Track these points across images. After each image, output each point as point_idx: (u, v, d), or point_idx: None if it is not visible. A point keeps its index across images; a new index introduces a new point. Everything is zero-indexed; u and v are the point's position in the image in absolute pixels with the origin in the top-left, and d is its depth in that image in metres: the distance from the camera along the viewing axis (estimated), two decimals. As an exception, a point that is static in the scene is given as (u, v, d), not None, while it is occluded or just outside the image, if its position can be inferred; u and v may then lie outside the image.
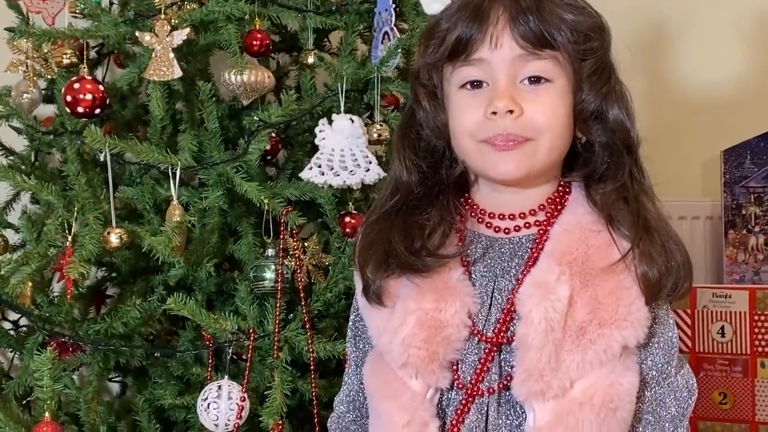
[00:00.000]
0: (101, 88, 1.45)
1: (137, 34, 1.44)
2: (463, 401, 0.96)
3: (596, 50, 0.98)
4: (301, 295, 1.43)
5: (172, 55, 1.44)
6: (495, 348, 0.96)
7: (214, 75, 1.63)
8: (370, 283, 1.00)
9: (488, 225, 1.02)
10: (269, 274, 1.43)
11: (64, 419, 1.53)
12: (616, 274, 0.94)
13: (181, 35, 1.44)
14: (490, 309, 0.98)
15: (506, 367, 0.95)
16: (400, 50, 1.49)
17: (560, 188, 1.02)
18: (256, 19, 1.52)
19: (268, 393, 1.40)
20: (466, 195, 1.05)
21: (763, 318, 1.86)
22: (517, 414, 0.95)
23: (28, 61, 1.57)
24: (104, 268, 1.72)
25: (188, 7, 1.48)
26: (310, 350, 1.41)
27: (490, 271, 0.99)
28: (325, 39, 1.81)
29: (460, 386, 0.96)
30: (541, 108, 0.95)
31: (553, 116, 0.96)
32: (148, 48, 1.44)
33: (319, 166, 1.44)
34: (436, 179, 1.03)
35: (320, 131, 1.45)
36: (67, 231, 1.41)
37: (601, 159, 0.99)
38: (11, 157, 1.75)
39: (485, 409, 0.96)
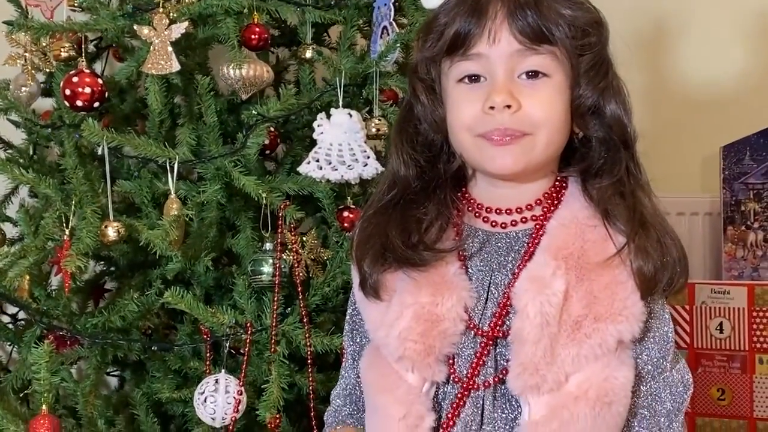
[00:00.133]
0: (100, 81, 1.45)
1: (135, 27, 1.44)
2: (459, 395, 0.96)
3: (594, 45, 0.98)
4: (299, 289, 1.43)
5: (170, 48, 1.43)
6: (491, 342, 0.96)
7: (213, 69, 1.62)
8: (367, 277, 1.01)
9: (485, 219, 1.02)
10: (267, 268, 1.44)
11: (62, 412, 1.53)
12: (611, 268, 0.94)
13: (179, 29, 1.44)
14: (486, 303, 0.98)
15: (502, 361, 0.96)
16: (398, 45, 1.49)
17: (557, 183, 1.02)
18: (255, 13, 1.52)
19: (266, 387, 1.40)
20: (464, 189, 1.05)
21: (761, 314, 1.86)
22: (513, 408, 0.95)
23: (27, 54, 1.58)
24: (102, 262, 1.72)
25: (187, 0, 1.47)
26: (308, 344, 1.41)
27: (486, 266, 0.99)
28: (325, 33, 1.81)
29: (456, 380, 0.96)
30: (538, 103, 0.95)
31: (550, 111, 0.96)
32: (146, 41, 1.44)
33: (317, 161, 1.44)
34: (434, 173, 1.03)
35: (318, 126, 1.45)
36: (64, 224, 1.41)
37: (598, 154, 0.99)
38: (9, 151, 1.75)
39: (481, 402, 0.96)
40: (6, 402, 1.38)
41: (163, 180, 1.48)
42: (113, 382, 1.84)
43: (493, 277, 0.99)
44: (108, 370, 1.74)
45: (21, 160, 1.69)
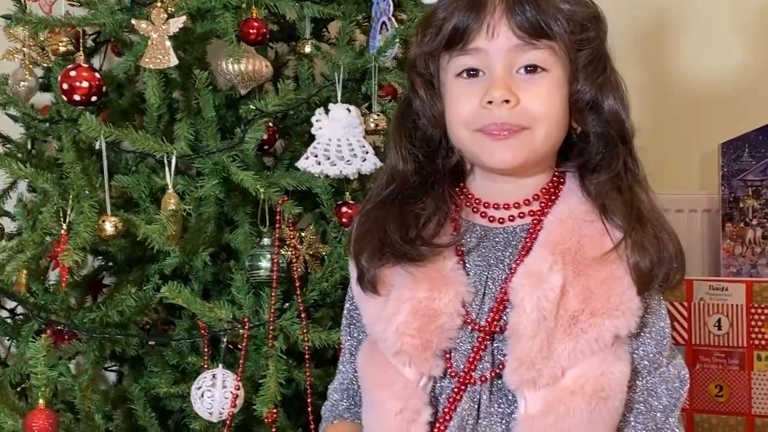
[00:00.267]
0: (97, 76, 1.45)
1: (133, 22, 1.44)
2: (456, 389, 0.96)
3: (592, 40, 0.98)
4: (297, 284, 1.43)
5: (168, 43, 1.43)
6: (488, 337, 0.96)
7: (211, 64, 1.62)
8: (365, 271, 1.01)
9: (483, 215, 1.02)
10: (265, 264, 1.44)
11: (60, 407, 1.53)
12: (608, 263, 0.94)
13: (177, 23, 1.43)
14: (483, 298, 0.98)
15: (499, 356, 0.96)
16: (397, 40, 1.49)
17: (554, 178, 1.02)
18: (254, 7, 1.52)
19: (263, 382, 1.40)
20: (462, 184, 1.05)
21: (759, 311, 1.86)
22: (509, 402, 0.95)
23: (25, 49, 1.58)
24: (100, 257, 1.72)
25: (185, -6, 1.47)
26: (306, 339, 1.42)
27: (484, 261, 1.00)
28: (324, 29, 1.81)
29: (453, 374, 0.96)
30: (537, 97, 0.96)
31: (549, 105, 0.96)
32: (144, 36, 1.44)
33: (316, 156, 1.44)
34: (432, 168, 1.03)
35: (317, 121, 1.45)
36: (62, 219, 1.41)
37: (595, 149, 0.99)
38: (8, 145, 1.75)
39: (477, 397, 0.96)
40: (4, 396, 1.38)
41: (161, 175, 1.47)
42: (111, 376, 1.84)
43: (490, 272, 0.99)
44: (106, 365, 1.74)
45: (19, 155, 1.69)
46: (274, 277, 1.43)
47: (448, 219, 1.01)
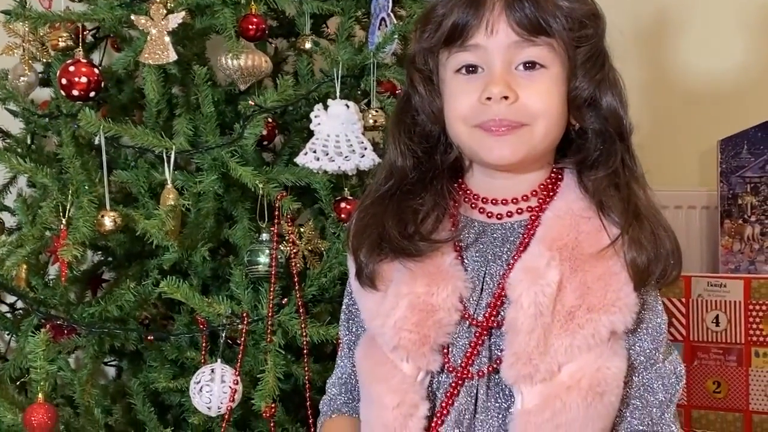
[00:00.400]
0: (96, 71, 1.45)
1: (133, 17, 1.45)
2: (453, 384, 0.97)
3: (591, 37, 0.98)
4: (296, 279, 1.43)
5: (167, 38, 1.44)
6: (485, 332, 0.97)
7: (211, 59, 1.63)
8: (364, 266, 1.01)
9: (481, 210, 1.02)
10: (263, 259, 1.44)
11: (59, 401, 1.54)
12: (605, 259, 0.94)
13: (176, 19, 1.44)
14: (481, 293, 0.98)
15: (496, 351, 0.96)
16: (396, 36, 1.49)
17: (553, 174, 1.02)
18: (253, 3, 1.52)
19: (261, 376, 1.41)
20: (460, 180, 1.05)
21: (757, 307, 1.87)
22: (506, 397, 0.95)
23: (25, 44, 1.58)
24: (100, 252, 1.72)
25: (184, -10, 1.48)
26: (304, 334, 1.42)
27: (482, 257, 1.00)
28: (323, 25, 1.81)
29: (451, 369, 0.97)
30: (535, 94, 0.96)
31: (548, 102, 0.97)
32: (143, 32, 1.45)
33: (315, 152, 1.44)
34: (431, 164, 1.04)
35: (316, 117, 1.45)
36: (62, 214, 1.41)
37: (593, 146, 1.00)
38: (8, 140, 1.76)
39: (475, 392, 0.96)
40: (3, 390, 1.39)
41: (160, 170, 1.48)
42: (110, 371, 1.84)
43: (488, 268, 0.99)
44: (105, 360, 1.74)
45: (19, 150, 1.69)
46: (273, 273, 1.43)
47: (446, 215, 1.01)
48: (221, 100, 1.59)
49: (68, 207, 1.41)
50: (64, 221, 1.40)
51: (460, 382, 0.96)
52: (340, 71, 1.47)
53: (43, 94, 1.75)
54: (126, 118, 1.56)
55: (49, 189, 1.47)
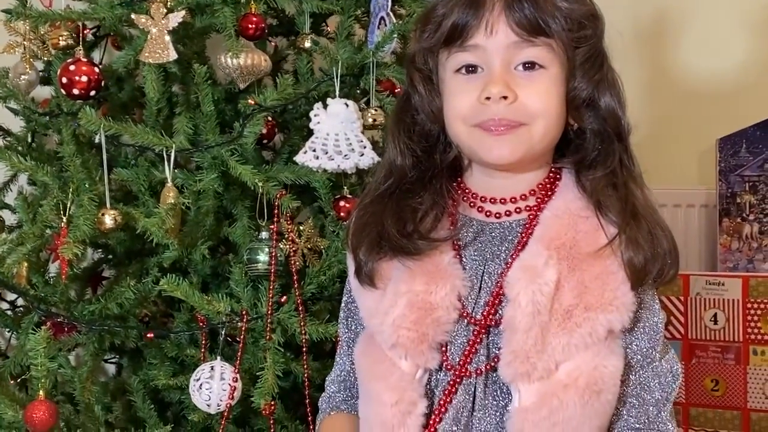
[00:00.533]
0: (96, 70, 1.45)
1: (133, 16, 1.45)
2: (451, 382, 0.97)
3: (589, 38, 0.98)
4: (295, 278, 1.44)
5: (167, 37, 1.44)
6: (483, 330, 0.97)
7: (211, 58, 1.63)
8: (363, 265, 1.02)
9: (480, 209, 1.03)
10: (263, 257, 1.44)
11: (60, 398, 1.54)
12: (602, 259, 0.95)
13: (176, 18, 1.44)
14: (479, 292, 0.99)
15: (494, 349, 0.97)
16: (395, 36, 1.50)
17: (551, 174, 1.03)
18: (252, 2, 1.52)
19: (261, 374, 1.41)
20: (459, 180, 1.06)
21: (755, 306, 1.87)
22: (504, 395, 0.96)
23: (26, 42, 1.58)
24: (100, 250, 1.73)
25: (184, -11, 1.48)
26: (303, 332, 1.42)
27: (480, 255, 1.00)
28: (323, 23, 1.81)
29: (449, 367, 0.97)
30: (534, 94, 0.96)
31: (547, 102, 0.97)
32: (143, 30, 1.45)
33: (314, 150, 1.45)
34: (430, 164, 1.04)
35: (315, 115, 1.45)
36: (62, 212, 1.42)
37: (592, 146, 1.00)
38: (8, 138, 1.76)
39: (473, 389, 0.97)
40: (4, 387, 1.39)
41: (160, 168, 1.48)
42: (110, 368, 1.85)
43: (486, 267, 1.00)
44: (105, 357, 1.75)
45: (19, 148, 1.69)
46: (272, 271, 1.43)
47: (445, 213, 1.02)
48: (221, 98, 1.60)
49: (69, 205, 1.42)
50: (64, 219, 1.41)
51: (458, 379, 0.97)
52: (339, 70, 1.47)
53: (43, 92, 1.76)
54: (126, 116, 1.57)
55: (49, 187, 1.47)
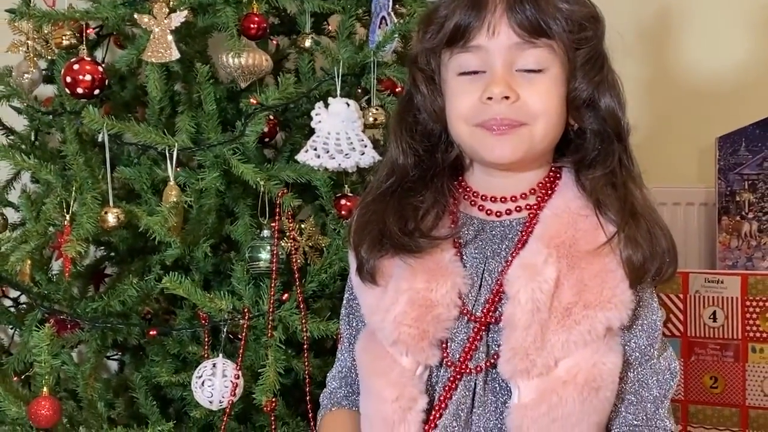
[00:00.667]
0: (100, 69, 1.46)
1: (136, 16, 1.46)
2: (452, 378, 0.98)
3: (590, 40, 0.99)
4: (296, 275, 1.44)
5: (170, 37, 1.45)
6: (483, 327, 0.98)
7: (213, 57, 1.63)
8: (364, 262, 1.02)
9: (480, 208, 1.04)
10: (265, 255, 1.45)
11: (63, 395, 1.54)
12: (601, 257, 0.96)
13: (179, 17, 1.45)
14: (479, 289, 1.00)
15: (494, 346, 0.98)
16: (396, 35, 1.50)
17: (551, 173, 1.04)
18: (254, 2, 1.53)
19: (263, 371, 1.42)
20: (460, 178, 1.07)
21: (754, 303, 1.87)
22: (503, 391, 0.97)
23: (29, 41, 1.58)
24: (103, 248, 1.73)
25: (187, -11, 1.49)
26: (304, 330, 1.43)
27: (480, 253, 1.01)
28: (324, 23, 1.81)
29: (449, 364, 0.98)
30: (536, 94, 0.97)
31: (547, 102, 0.98)
32: (146, 30, 1.46)
33: (315, 149, 1.45)
34: (432, 162, 1.05)
35: (316, 114, 1.46)
36: (65, 210, 1.42)
37: (592, 146, 1.01)
38: (12, 137, 1.76)
39: (472, 386, 0.98)
40: (7, 384, 1.39)
41: (163, 167, 1.49)
42: (113, 365, 1.85)
43: (487, 265, 1.01)
44: (108, 354, 1.75)
45: (23, 147, 1.70)
46: (274, 269, 1.44)
47: (446, 212, 1.03)
48: (223, 97, 1.60)
49: (72, 203, 1.42)
50: (67, 217, 1.41)
51: (458, 376, 0.98)
52: (340, 69, 1.48)
53: (46, 91, 1.76)
54: (129, 115, 1.57)
55: (52, 185, 1.48)
